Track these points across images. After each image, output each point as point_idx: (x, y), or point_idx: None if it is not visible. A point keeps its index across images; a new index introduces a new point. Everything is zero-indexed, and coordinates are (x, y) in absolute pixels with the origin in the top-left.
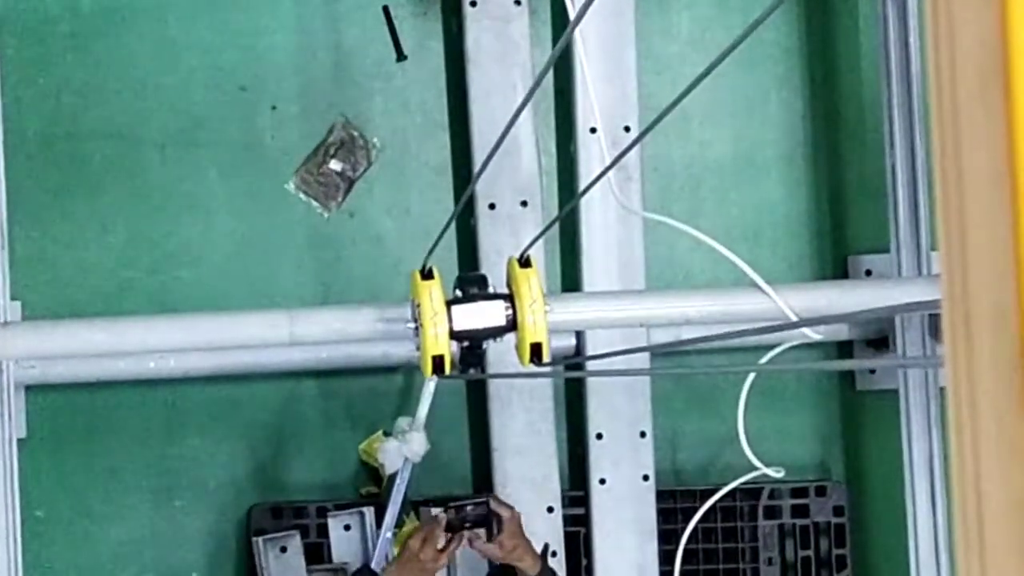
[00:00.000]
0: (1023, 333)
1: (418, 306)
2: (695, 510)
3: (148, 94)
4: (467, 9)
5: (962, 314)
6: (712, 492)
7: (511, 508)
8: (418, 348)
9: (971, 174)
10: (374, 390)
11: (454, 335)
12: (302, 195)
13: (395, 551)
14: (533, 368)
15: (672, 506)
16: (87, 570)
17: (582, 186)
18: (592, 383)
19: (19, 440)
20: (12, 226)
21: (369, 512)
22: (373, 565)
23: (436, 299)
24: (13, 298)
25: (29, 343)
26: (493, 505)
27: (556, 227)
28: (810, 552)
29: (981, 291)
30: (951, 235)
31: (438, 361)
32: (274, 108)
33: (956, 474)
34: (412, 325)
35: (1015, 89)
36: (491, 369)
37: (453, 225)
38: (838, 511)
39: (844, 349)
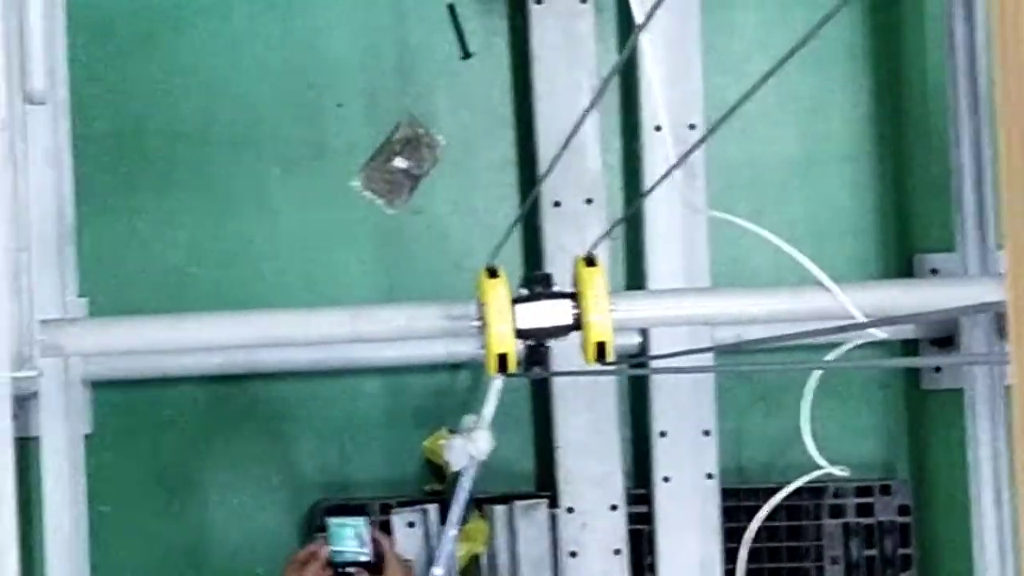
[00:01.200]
0: None
1: (483, 304)
2: (759, 508)
3: (214, 92)
4: (532, 7)
5: None
6: (776, 490)
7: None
8: (483, 346)
9: None
10: (438, 388)
11: (519, 333)
12: (367, 193)
13: (459, 548)
14: (597, 366)
15: (736, 504)
16: (151, 566)
17: (647, 184)
18: (656, 381)
19: (85, 436)
20: (79, 223)
21: (433, 509)
22: (436, 563)
23: (501, 297)
24: (80, 295)
25: (95, 339)
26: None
27: (621, 227)
28: (875, 551)
29: None
30: (1017, 233)
31: (503, 359)
32: (339, 106)
33: (1020, 474)
34: (477, 323)
35: None
36: (555, 367)
37: (521, 225)
38: (903, 510)
39: (909, 348)
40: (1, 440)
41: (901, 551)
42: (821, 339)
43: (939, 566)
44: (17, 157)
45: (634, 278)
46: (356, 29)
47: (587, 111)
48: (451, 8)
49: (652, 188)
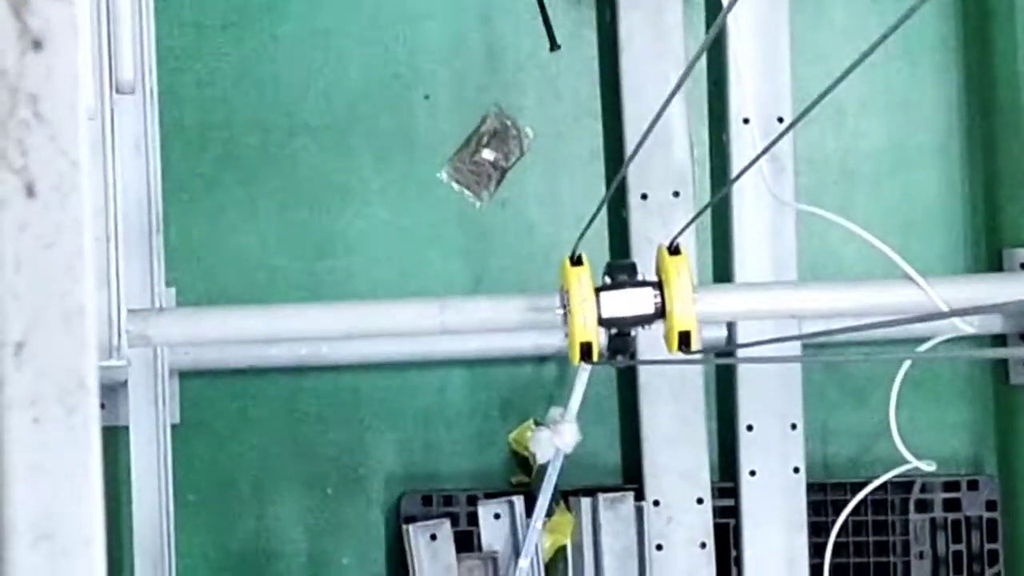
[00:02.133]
0: None
1: (567, 292)
2: (845, 503)
3: (301, 82)
4: (620, 6)
5: None
6: (863, 485)
7: None
8: (567, 335)
9: None
10: (525, 380)
11: (602, 322)
12: (454, 184)
13: (545, 541)
14: (683, 355)
15: (822, 499)
16: (237, 555)
17: (734, 176)
18: (743, 374)
19: (173, 426)
20: (167, 213)
21: (519, 501)
22: (522, 555)
23: (585, 285)
24: (167, 285)
25: (183, 329)
26: None
27: (708, 219)
28: (962, 546)
29: None
30: None
31: (586, 348)
32: (427, 97)
33: None
34: (560, 311)
35: None
36: (641, 358)
37: (605, 216)
38: (991, 505)
39: (998, 343)
40: (89, 421)
41: (988, 547)
42: (909, 333)
43: None
44: (106, 147)
45: (721, 271)
46: (444, 20)
47: (670, 97)
48: (540, 3)
49: (737, 177)
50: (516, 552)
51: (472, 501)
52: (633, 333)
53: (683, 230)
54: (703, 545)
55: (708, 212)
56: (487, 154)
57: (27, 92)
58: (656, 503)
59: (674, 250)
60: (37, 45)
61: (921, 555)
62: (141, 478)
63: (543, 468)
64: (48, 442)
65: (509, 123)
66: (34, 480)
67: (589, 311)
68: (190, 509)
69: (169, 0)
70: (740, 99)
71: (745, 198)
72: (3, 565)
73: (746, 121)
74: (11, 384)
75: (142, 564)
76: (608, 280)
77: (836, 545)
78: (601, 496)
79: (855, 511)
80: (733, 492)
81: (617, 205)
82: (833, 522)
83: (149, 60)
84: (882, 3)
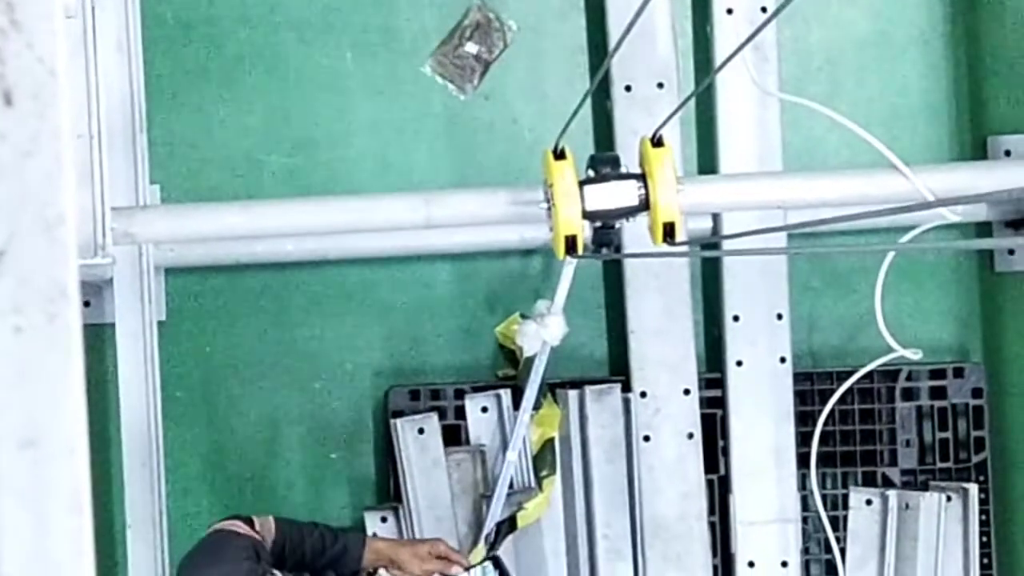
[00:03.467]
0: None
1: (550, 186)
2: (832, 392)
3: None
4: None
5: None
6: (849, 374)
7: None
8: (551, 230)
9: None
10: (511, 273)
11: (587, 215)
12: (438, 78)
13: (533, 433)
14: (665, 248)
15: (809, 388)
16: (226, 450)
17: (717, 66)
18: (728, 265)
19: (159, 323)
20: (151, 111)
21: (506, 395)
22: (510, 448)
23: (568, 179)
24: (152, 182)
25: (167, 226)
26: None
27: (692, 111)
28: (948, 434)
29: None
30: None
31: (571, 241)
32: None
33: None
34: (545, 205)
35: None
36: (627, 250)
37: (589, 108)
38: (976, 393)
39: (983, 230)
40: (70, 326)
41: (975, 433)
42: (894, 222)
43: (1013, 448)
44: (87, 46)
45: (706, 163)
46: None
47: None
48: None
49: (720, 67)
50: (504, 445)
51: (459, 395)
52: (618, 226)
53: (666, 121)
54: (690, 436)
55: (692, 103)
56: (470, 47)
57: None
58: (643, 395)
59: (658, 142)
60: None
61: (908, 443)
62: (128, 375)
63: (530, 361)
64: (30, 350)
65: (492, 16)
66: (18, 388)
67: (573, 204)
68: (178, 405)
69: None
70: None
71: (729, 89)
72: None
73: (729, 12)
74: None
75: (131, 461)
76: (592, 173)
77: (823, 434)
78: (588, 388)
79: (841, 400)
80: (720, 383)
81: (601, 97)
82: (820, 411)
83: None
84: None
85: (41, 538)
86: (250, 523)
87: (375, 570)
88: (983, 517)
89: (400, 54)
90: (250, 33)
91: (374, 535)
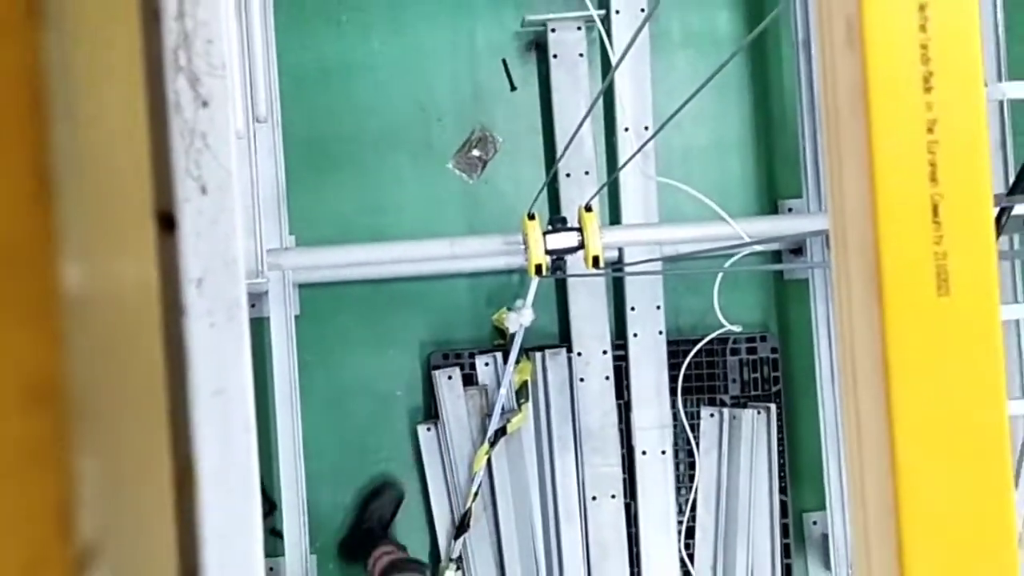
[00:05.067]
0: (875, 247)
1: (525, 235)
2: (689, 351)
3: (368, 112)
4: (551, 60)
5: (841, 236)
6: (699, 340)
7: None
8: (526, 260)
9: (848, 159)
10: (501, 285)
11: (547, 252)
12: (456, 171)
13: (515, 378)
14: (593, 270)
15: (676, 349)
16: (336, 391)
17: (620, 163)
18: (628, 279)
19: (295, 316)
20: (289, 190)
21: (500, 355)
22: (502, 387)
23: (536, 231)
24: (290, 233)
25: (299, 260)
26: None
27: (607, 188)
28: (757, 375)
29: (851, 223)
30: (835, 190)
31: (538, 267)
32: (439, 120)
33: (840, 327)
34: (522, 246)
35: (873, 112)
36: (569, 272)
37: (547, 189)
38: (773, 350)
39: (776, 255)
40: (241, 321)
41: (773, 374)
42: (726, 251)
43: (796, 383)
44: (251, 154)
45: (615, 218)
46: (449, 75)
47: (584, 119)
48: (504, 61)
49: (624, 164)
50: (498, 385)
51: (472, 356)
52: (566, 257)
53: (593, 196)
54: (607, 378)
55: (607, 185)
56: (475, 152)
57: (200, 131)
58: (579, 354)
59: (588, 208)
60: (205, 104)
61: (734, 380)
62: (277, 348)
63: (513, 336)
64: (219, 337)
65: (488, 134)
66: (211, 356)
67: (539, 246)
68: (307, 365)
69: (287, 62)
70: (622, 116)
71: (627, 174)
72: (188, 413)
73: (626, 129)
74: (193, 305)
75: (281, 402)
76: (550, 227)
77: (685, 376)
78: (547, 351)
79: (696, 356)
80: (624, 347)
81: (553, 182)
82: (682, 363)
83: (274, 101)
84: (709, 59)
85: (226, 450)
86: None
87: None
88: (779, 424)
89: (434, 157)
90: (346, 145)
91: None
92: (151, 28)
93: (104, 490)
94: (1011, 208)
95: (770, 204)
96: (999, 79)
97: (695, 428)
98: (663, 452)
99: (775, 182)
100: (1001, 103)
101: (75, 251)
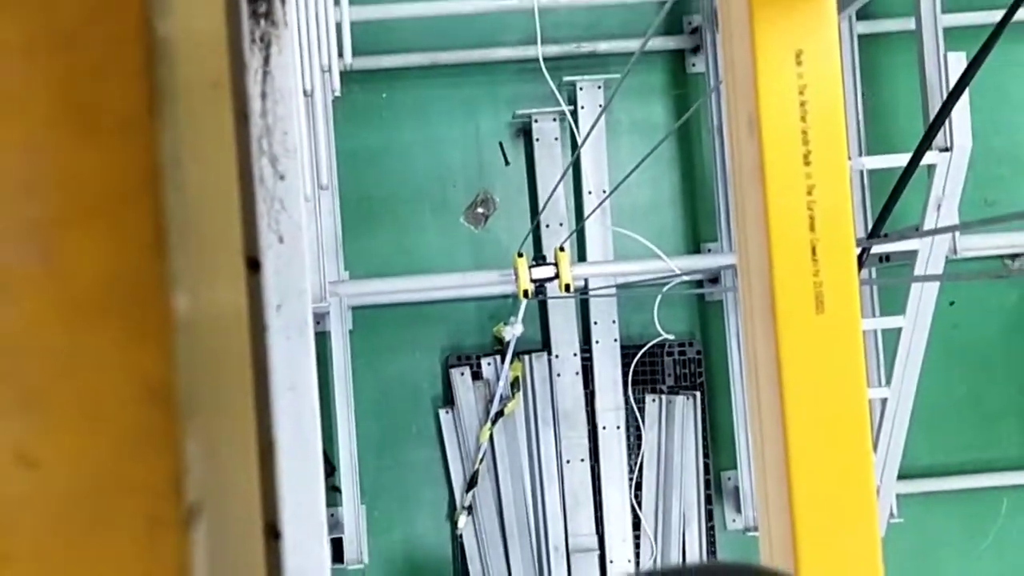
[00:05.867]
0: (770, 277)
1: (516, 269)
2: (637, 353)
3: (400, 180)
4: (535, 142)
5: (746, 269)
6: (644, 345)
7: None
8: (516, 287)
9: (750, 213)
10: (499, 306)
11: (532, 280)
12: (466, 223)
13: (510, 374)
14: (566, 294)
15: (628, 352)
16: (378, 384)
17: (585, 216)
18: (592, 301)
19: (350, 331)
20: (344, 237)
21: (498, 358)
22: (501, 381)
23: (523, 266)
24: (345, 269)
25: (352, 288)
26: None
27: (575, 236)
28: (687, 371)
29: (753, 260)
30: (741, 236)
31: (526, 292)
32: (454, 185)
33: (746, 336)
34: (514, 277)
35: (768, 180)
36: (549, 295)
37: (532, 235)
38: (699, 353)
39: (699, 283)
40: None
41: (698, 370)
42: (664, 281)
43: (715, 378)
44: (316, 213)
45: (581, 256)
46: (460, 153)
47: (557, 184)
48: (501, 144)
49: (587, 217)
50: (498, 379)
51: (479, 358)
52: (545, 285)
53: (565, 240)
54: (577, 373)
55: (575, 233)
56: (480, 209)
57: (278, 197)
58: (556, 356)
59: (561, 248)
60: (282, 177)
61: (670, 375)
62: (336, 354)
63: (508, 343)
64: (293, 347)
65: (490, 195)
66: (287, 362)
67: (526, 277)
68: (359, 367)
69: (342, 147)
70: (586, 182)
71: (591, 225)
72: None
73: (589, 192)
74: (273, 324)
75: (339, 394)
76: (534, 262)
77: (634, 371)
78: (532, 354)
79: (641, 357)
80: (589, 350)
81: (536, 230)
82: (632, 362)
83: (332, 172)
84: (647, 140)
85: (298, 430)
86: None
87: None
88: (703, 406)
89: (450, 213)
90: (385, 204)
91: None
92: (241, 124)
93: (205, 464)
94: (869, 248)
95: (694, 245)
96: (860, 154)
97: (641, 410)
98: (618, 427)
99: (698, 229)
100: (862, 172)
101: (183, 287)
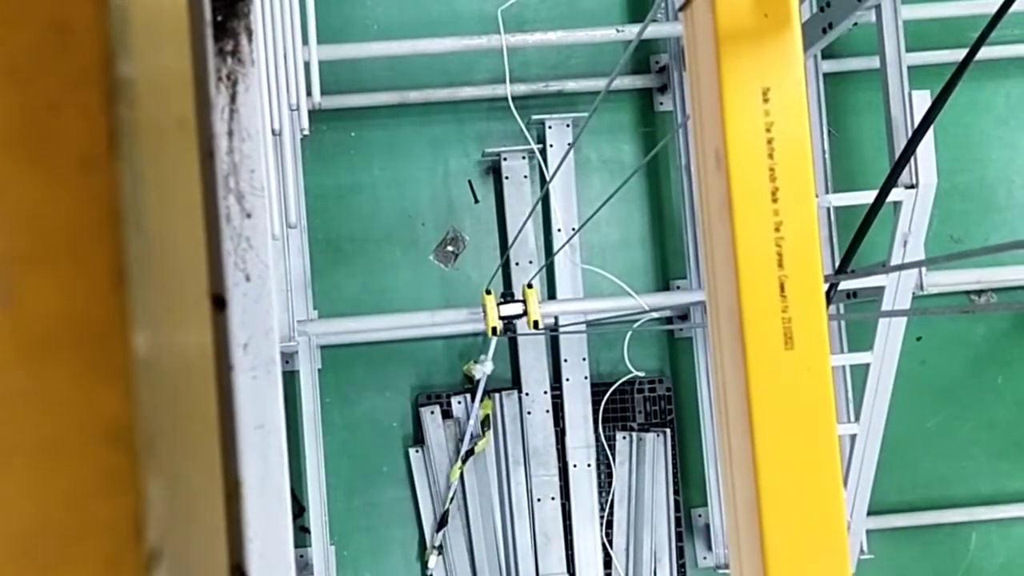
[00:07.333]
0: (739, 314)
1: (484, 306)
2: (607, 390)
3: (369, 218)
4: (504, 180)
5: (715, 306)
6: (614, 382)
7: None
8: (486, 324)
9: (718, 250)
10: (468, 343)
11: (500, 318)
12: (436, 262)
13: (480, 412)
14: (534, 331)
15: (598, 389)
16: (347, 423)
17: (554, 253)
18: (562, 338)
19: (319, 369)
20: (313, 277)
21: (468, 396)
22: (471, 420)
23: (491, 303)
24: (314, 308)
25: (321, 327)
26: None
27: (545, 272)
28: (657, 407)
29: (722, 297)
30: (709, 273)
31: (494, 329)
32: (423, 224)
33: (715, 372)
34: (483, 314)
35: (736, 216)
36: (518, 332)
37: (501, 272)
38: (669, 390)
39: (669, 320)
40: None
41: (668, 407)
42: (634, 317)
43: (684, 413)
44: (284, 251)
45: (551, 293)
46: (429, 191)
47: (525, 220)
48: (470, 182)
49: (556, 253)
50: (468, 417)
51: (449, 396)
52: (515, 322)
53: (533, 277)
54: (547, 411)
55: (544, 270)
56: (450, 248)
57: (245, 235)
58: (527, 394)
59: (529, 285)
60: (249, 215)
61: (640, 412)
62: (305, 393)
63: (478, 381)
64: (260, 385)
65: (459, 234)
66: (253, 400)
67: (494, 314)
68: (328, 406)
69: (309, 185)
70: (555, 220)
71: (559, 261)
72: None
73: (559, 230)
74: (240, 361)
75: (308, 433)
76: (502, 299)
77: (604, 408)
78: (503, 392)
79: (611, 394)
80: (559, 387)
81: (505, 267)
82: (602, 399)
83: (301, 211)
84: (615, 177)
85: (265, 469)
86: None
87: None
88: (673, 443)
89: (420, 251)
90: (355, 243)
91: None
92: (207, 162)
93: (168, 505)
94: (837, 284)
95: (664, 282)
96: (827, 191)
97: (612, 447)
98: (588, 465)
99: (667, 266)
100: (828, 209)
101: (145, 325)
